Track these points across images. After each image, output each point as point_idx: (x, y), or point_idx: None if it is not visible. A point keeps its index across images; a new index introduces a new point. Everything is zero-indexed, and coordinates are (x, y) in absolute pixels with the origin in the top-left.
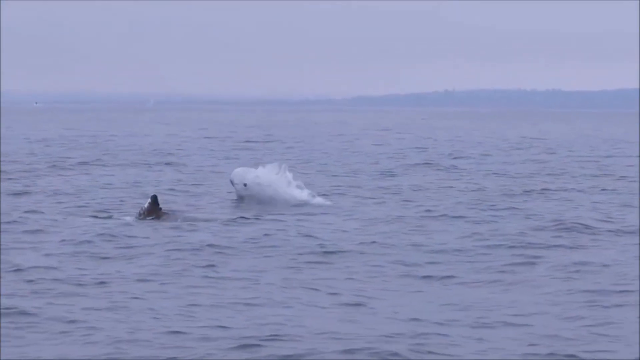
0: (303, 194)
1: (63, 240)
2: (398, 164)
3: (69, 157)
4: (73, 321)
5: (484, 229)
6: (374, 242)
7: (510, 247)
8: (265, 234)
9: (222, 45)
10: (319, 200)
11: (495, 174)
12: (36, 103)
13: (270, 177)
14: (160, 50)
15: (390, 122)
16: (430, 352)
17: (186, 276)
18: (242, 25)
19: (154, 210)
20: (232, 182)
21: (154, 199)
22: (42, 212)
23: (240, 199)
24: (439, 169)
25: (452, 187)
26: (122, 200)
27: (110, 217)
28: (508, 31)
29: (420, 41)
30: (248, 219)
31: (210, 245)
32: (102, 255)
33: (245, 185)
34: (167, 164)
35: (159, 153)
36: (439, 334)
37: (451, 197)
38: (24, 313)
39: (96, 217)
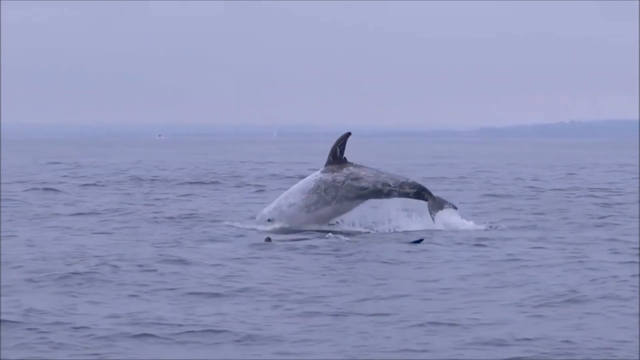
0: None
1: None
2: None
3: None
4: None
5: None
6: None
7: None
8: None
9: (346, 77)
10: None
11: None
12: (160, 135)
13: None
14: (284, 82)
15: (535, 152)
16: None
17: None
18: (365, 56)
19: None
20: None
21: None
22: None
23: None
24: None
25: None
26: None
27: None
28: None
29: (544, 71)
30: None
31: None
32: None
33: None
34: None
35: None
36: None
37: None
38: None
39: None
